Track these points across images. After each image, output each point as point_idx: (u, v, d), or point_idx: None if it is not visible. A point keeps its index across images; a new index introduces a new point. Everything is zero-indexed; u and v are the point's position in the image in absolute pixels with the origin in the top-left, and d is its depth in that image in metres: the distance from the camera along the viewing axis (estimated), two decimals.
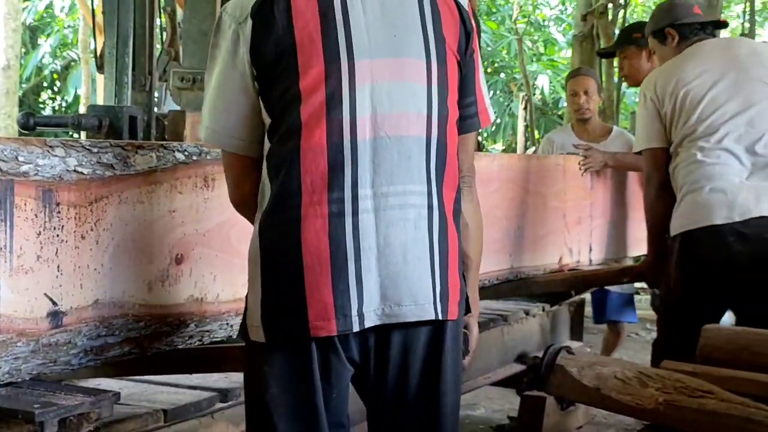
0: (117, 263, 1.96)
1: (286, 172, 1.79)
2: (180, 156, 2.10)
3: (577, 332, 4.34)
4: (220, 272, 2.21)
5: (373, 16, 1.82)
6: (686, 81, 3.55)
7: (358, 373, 1.85)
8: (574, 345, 3.98)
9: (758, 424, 2.52)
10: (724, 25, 3.77)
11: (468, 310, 1.96)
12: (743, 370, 2.78)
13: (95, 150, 1.92)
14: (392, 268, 1.79)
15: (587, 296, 4.56)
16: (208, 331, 2.23)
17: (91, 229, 1.90)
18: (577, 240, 4.15)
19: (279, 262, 1.80)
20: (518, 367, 3.67)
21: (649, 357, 3.66)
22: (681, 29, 3.72)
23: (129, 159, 1.98)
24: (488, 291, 3.59)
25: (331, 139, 1.77)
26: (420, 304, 1.80)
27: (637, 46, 4.40)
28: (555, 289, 4.07)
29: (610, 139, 5.06)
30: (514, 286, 3.81)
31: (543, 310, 3.98)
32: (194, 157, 2.14)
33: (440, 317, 1.82)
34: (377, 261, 1.78)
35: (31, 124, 3.00)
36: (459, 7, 1.93)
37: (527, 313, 3.84)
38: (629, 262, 4.80)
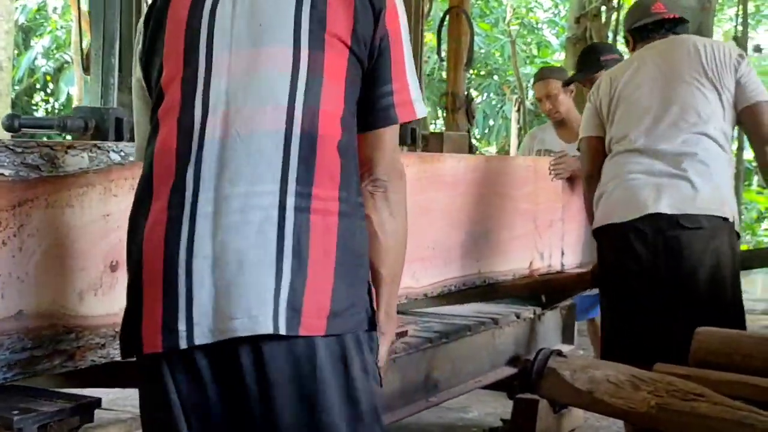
0: (44, 271, 1.86)
1: (143, 175, 1.70)
2: (115, 156, 2.02)
3: (568, 335, 4.32)
4: None
5: (242, 8, 1.70)
6: (618, 85, 3.60)
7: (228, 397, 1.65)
8: (566, 348, 3.96)
9: (750, 427, 2.51)
10: (681, 21, 3.69)
11: (373, 328, 1.73)
12: (735, 372, 2.77)
13: (20, 150, 1.84)
14: (226, 277, 1.59)
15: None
16: None
17: (14, 235, 1.81)
18: (548, 244, 4.08)
19: (129, 271, 1.69)
20: (509, 371, 3.64)
21: None
22: (635, 33, 3.73)
23: (57, 160, 1.90)
24: (454, 296, 3.55)
25: (180, 141, 1.65)
26: (253, 317, 1.57)
27: (606, 69, 4.40)
28: (518, 293, 4.02)
29: None
30: (480, 291, 3.74)
31: (534, 313, 3.95)
32: (131, 158, 2.04)
33: (282, 331, 1.57)
34: (212, 271, 1.59)
35: (15, 125, 2.97)
36: None
37: (518, 316, 3.81)
38: None
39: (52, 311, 1.88)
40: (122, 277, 1.99)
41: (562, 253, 4.23)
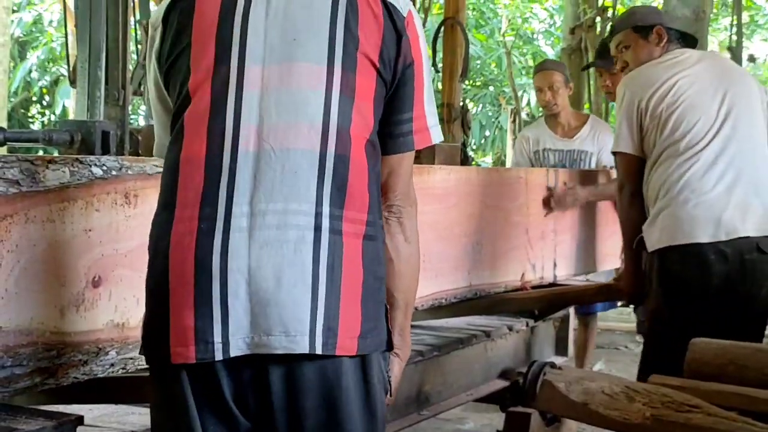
0: (23, 287, 1.83)
1: (166, 183, 1.69)
2: (97, 171, 1.98)
3: (562, 347, 4.30)
4: (144, 295, 2.04)
5: (275, 19, 1.69)
6: (672, 90, 3.49)
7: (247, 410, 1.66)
8: (559, 360, 3.94)
9: None
10: (695, 41, 3.75)
11: (390, 348, 1.79)
12: (730, 384, 2.75)
13: None
14: (263, 293, 1.60)
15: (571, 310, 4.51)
16: (131, 358, 2.08)
17: None
18: (540, 256, 4.04)
19: (152, 280, 1.68)
20: (501, 383, 3.63)
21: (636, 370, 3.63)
22: (670, 32, 3.69)
23: (38, 174, 1.86)
24: (461, 309, 3.53)
25: (211, 150, 1.64)
26: (291, 336, 1.60)
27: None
28: (531, 307, 4.00)
29: (585, 131, 5.04)
30: (488, 304, 3.73)
31: (527, 325, 3.93)
32: (113, 172, 2.01)
33: (318, 351, 1.61)
34: (247, 284, 1.60)
35: (1, 138, 2.94)
36: (389, 8, 1.74)
37: (510, 328, 3.79)
38: (601, 279, 4.75)
39: (32, 328, 1.85)
40: (104, 293, 1.99)
41: (555, 265, 4.20)
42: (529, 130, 5.61)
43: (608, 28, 10.59)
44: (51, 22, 17.78)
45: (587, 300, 4.29)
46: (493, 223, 3.69)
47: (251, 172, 1.63)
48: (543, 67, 5.40)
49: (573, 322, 4.57)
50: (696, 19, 7.92)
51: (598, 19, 10.49)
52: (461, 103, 6.63)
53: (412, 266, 1.85)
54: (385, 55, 1.72)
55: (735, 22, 10.81)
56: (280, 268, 1.60)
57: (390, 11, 1.73)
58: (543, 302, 3.99)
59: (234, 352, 1.60)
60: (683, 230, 3.39)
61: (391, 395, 1.83)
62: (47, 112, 19.18)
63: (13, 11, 15.54)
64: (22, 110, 18.92)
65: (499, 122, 17.29)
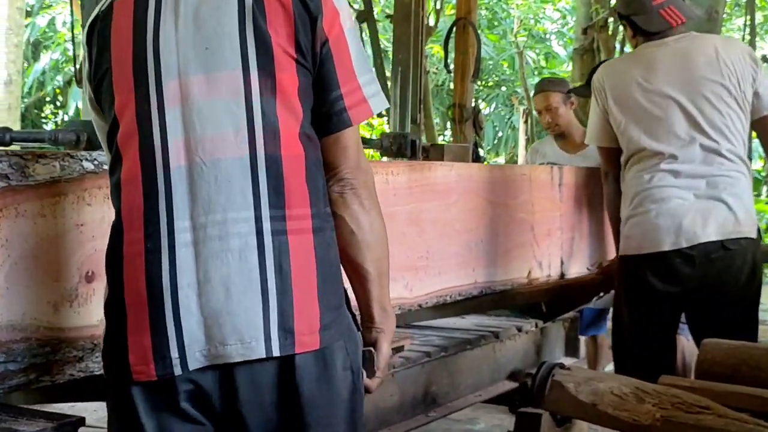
0: (15, 283, 1.83)
1: (115, 206, 1.71)
2: (88, 165, 1.98)
3: (572, 348, 4.28)
4: None
5: (186, 30, 1.69)
6: (632, 87, 3.51)
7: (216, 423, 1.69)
8: (570, 361, 3.92)
9: None
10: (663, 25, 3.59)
11: (367, 326, 1.83)
12: (742, 384, 2.73)
13: None
14: (214, 305, 1.63)
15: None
16: None
17: None
18: (547, 253, 4.01)
19: (109, 302, 1.70)
20: (510, 385, 3.61)
21: None
22: (635, 28, 3.63)
23: (28, 169, 1.85)
24: (467, 306, 3.50)
25: (145, 170, 1.66)
26: (246, 343, 1.62)
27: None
28: (537, 300, 3.99)
29: (591, 148, 5.01)
30: (494, 299, 3.71)
31: (536, 326, 3.91)
32: (105, 167, 1.98)
33: (276, 353, 1.63)
34: (198, 298, 1.63)
35: (7, 139, 2.94)
36: None
37: (519, 329, 3.77)
38: None
39: (25, 324, 1.85)
40: (99, 288, 1.98)
41: (562, 263, 4.17)
42: (539, 143, 5.62)
43: (620, 28, 10.60)
44: (65, 23, 17.83)
45: (592, 290, 4.27)
46: (497, 220, 3.66)
47: (186, 187, 1.65)
48: (539, 89, 5.37)
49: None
50: (709, 19, 7.87)
51: (611, 19, 10.45)
52: (473, 104, 6.62)
53: (377, 234, 1.81)
54: (302, 44, 1.70)
55: (748, 23, 10.76)
56: (228, 277, 1.63)
57: None
58: (549, 295, 4.00)
59: (192, 365, 1.63)
60: (647, 240, 3.48)
61: (376, 374, 1.83)
62: (60, 112, 19.25)
63: (27, 14, 15.62)
64: (36, 110, 18.99)
65: (512, 122, 17.25)
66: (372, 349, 1.83)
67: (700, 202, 3.43)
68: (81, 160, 1.96)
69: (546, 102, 5.09)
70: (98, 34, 1.77)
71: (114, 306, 1.68)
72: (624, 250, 3.61)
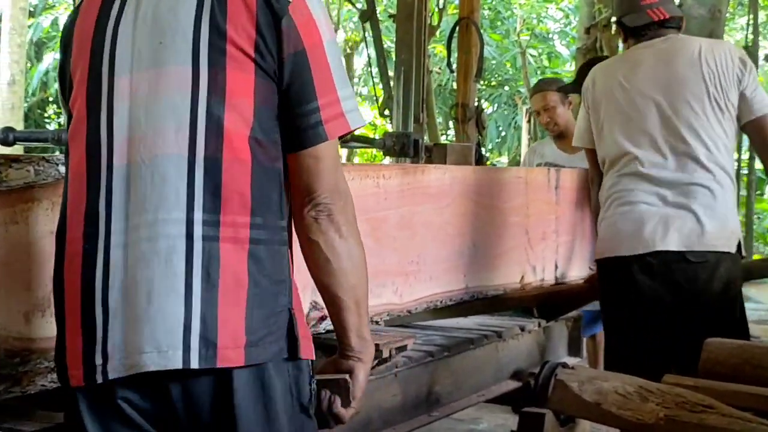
0: None
1: (62, 203, 1.67)
2: (63, 170, 1.89)
3: (575, 348, 4.27)
4: None
5: (143, 24, 1.64)
6: (614, 89, 3.48)
7: None
8: (573, 361, 3.92)
9: None
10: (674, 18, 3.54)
11: (344, 353, 1.75)
12: (745, 384, 2.73)
13: None
14: (136, 309, 1.54)
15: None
16: None
17: None
18: (541, 257, 3.97)
19: (54, 304, 1.66)
20: (513, 384, 3.61)
21: None
22: (626, 28, 3.59)
23: (0, 174, 1.80)
24: (459, 310, 3.48)
25: (90, 167, 1.61)
26: (163, 352, 1.53)
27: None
28: (527, 304, 3.97)
29: None
30: (486, 303, 3.69)
31: (539, 325, 3.90)
32: None
33: (194, 365, 1.53)
34: (124, 302, 1.55)
35: (10, 139, 2.93)
36: None
37: (522, 329, 3.76)
38: None
39: None
40: None
41: (556, 267, 4.13)
42: (539, 144, 5.62)
43: None
44: None
45: (581, 297, 4.24)
46: (491, 223, 3.62)
47: (125, 185, 1.59)
48: (536, 89, 5.37)
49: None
50: (712, 19, 7.88)
51: (614, 18, 10.46)
52: (476, 103, 6.62)
53: (355, 263, 1.72)
54: (263, 45, 1.61)
55: (751, 22, 10.75)
56: (151, 281, 1.55)
57: None
58: (538, 302, 3.98)
59: (112, 374, 1.56)
60: (610, 244, 3.46)
61: (351, 403, 1.78)
62: (64, 112, 19.28)
63: (30, 14, 15.63)
64: (39, 110, 19.02)
65: (515, 122, 17.24)
66: (347, 377, 1.77)
67: (666, 209, 3.34)
68: (57, 165, 1.90)
69: (543, 101, 5.09)
70: (67, 28, 1.75)
71: (57, 307, 1.65)
72: (596, 255, 3.61)
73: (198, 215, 1.56)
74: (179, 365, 1.53)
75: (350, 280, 1.72)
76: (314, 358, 1.73)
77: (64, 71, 1.78)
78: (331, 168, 1.69)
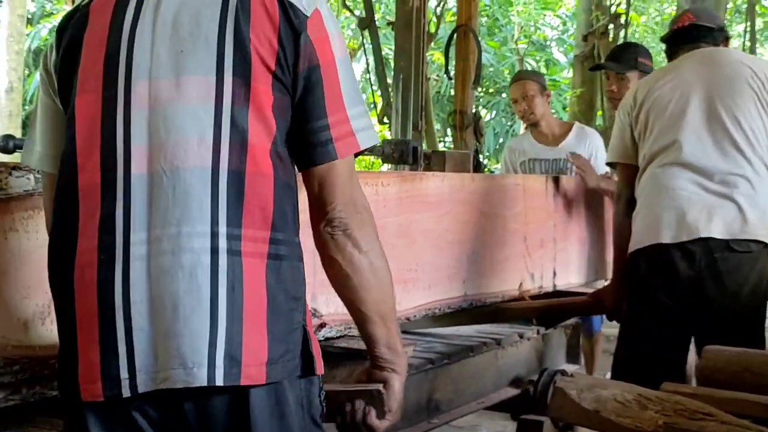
0: None
1: (63, 211, 1.60)
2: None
3: (573, 355, 4.27)
4: None
5: (163, 29, 1.59)
6: (655, 95, 3.51)
7: None
8: (571, 368, 3.92)
9: None
10: (714, 29, 3.66)
11: (309, 373, 1.65)
12: (744, 391, 2.73)
13: None
14: (163, 324, 1.51)
15: None
16: None
17: None
18: (539, 264, 3.97)
19: (60, 315, 1.61)
20: (513, 392, 3.60)
21: None
22: (670, 45, 3.71)
23: (0, 182, 1.80)
24: (458, 319, 3.47)
25: (105, 175, 1.55)
26: (189, 369, 1.50)
27: (641, 72, 4.30)
28: (528, 316, 3.95)
29: (571, 139, 5.05)
30: (485, 313, 3.68)
31: (538, 333, 3.90)
32: None
33: (219, 383, 1.51)
34: (150, 316, 1.51)
35: (10, 146, 2.92)
36: (285, 7, 1.61)
37: (521, 336, 3.76)
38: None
39: None
40: None
41: (554, 274, 4.14)
42: (515, 141, 5.65)
43: (621, 34, 10.62)
44: None
45: (580, 312, 4.22)
46: (489, 231, 3.62)
47: (146, 196, 1.54)
48: (516, 78, 5.44)
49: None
50: None
51: (611, 26, 10.49)
52: (474, 110, 6.63)
53: (379, 276, 1.70)
54: (283, 59, 1.59)
55: (748, 29, 10.77)
56: (177, 295, 1.51)
57: (286, 10, 1.61)
58: (539, 312, 3.96)
59: (141, 389, 1.52)
60: (650, 232, 3.42)
61: (386, 415, 1.77)
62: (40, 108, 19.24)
63: (28, 22, 15.64)
64: None
65: (513, 129, 17.25)
66: (381, 387, 1.76)
67: (708, 197, 3.35)
68: None
69: (522, 90, 5.14)
70: (74, 26, 1.68)
71: (64, 320, 1.59)
72: (631, 245, 3.53)
73: (222, 229, 1.53)
74: (204, 382, 1.51)
75: (373, 295, 1.70)
76: (323, 372, 1.70)
77: (63, 72, 1.69)
78: (344, 183, 1.66)
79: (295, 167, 1.68)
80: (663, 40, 3.78)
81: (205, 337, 1.51)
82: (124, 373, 1.52)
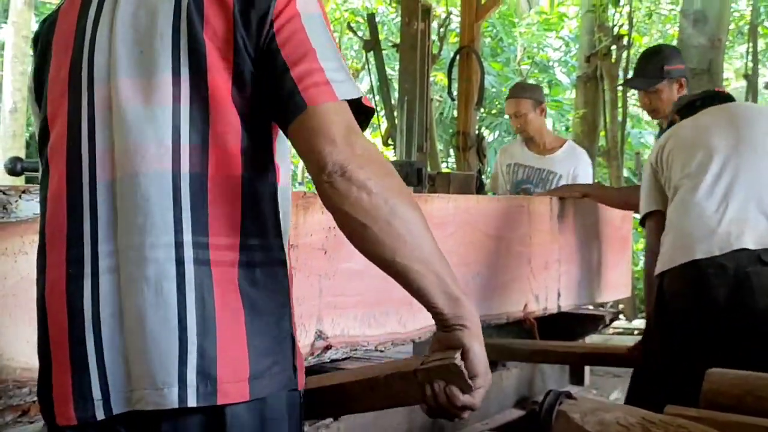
0: None
1: (40, 224, 1.54)
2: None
3: (577, 375, 4.27)
4: None
5: (122, 30, 1.49)
6: (680, 132, 3.59)
7: None
8: (575, 389, 3.91)
9: None
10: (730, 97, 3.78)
11: (441, 325, 1.48)
12: (748, 414, 2.72)
13: None
14: (132, 341, 1.40)
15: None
16: None
17: None
18: (544, 286, 3.98)
19: (37, 333, 1.52)
20: (517, 413, 3.60)
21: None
22: (684, 110, 3.73)
23: (10, 205, 1.79)
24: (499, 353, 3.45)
25: (70, 184, 1.47)
26: (159, 389, 1.39)
27: (669, 79, 4.29)
28: (570, 362, 3.93)
29: (560, 153, 5.12)
30: (526, 352, 3.67)
31: None
32: None
33: (192, 403, 1.38)
34: (120, 332, 1.41)
35: (18, 169, 2.93)
36: None
37: None
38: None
39: (1, 365, 1.79)
40: None
41: (559, 295, 4.15)
42: (509, 144, 5.76)
43: (623, 55, 10.64)
44: None
45: (620, 364, 4.08)
46: (494, 252, 3.63)
47: (111, 205, 1.45)
48: (510, 94, 5.50)
49: None
50: (712, 47, 7.93)
51: (614, 47, 10.51)
52: (477, 131, 6.66)
53: (404, 218, 1.43)
54: (242, 45, 1.46)
55: (751, 50, 10.80)
56: (143, 310, 1.40)
57: None
58: (581, 358, 3.91)
59: (116, 410, 1.42)
60: (681, 250, 3.38)
61: (476, 382, 1.47)
62: (35, 121, 19.29)
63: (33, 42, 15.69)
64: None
65: None
66: (456, 357, 1.45)
67: (737, 214, 3.35)
68: None
69: (515, 108, 5.22)
70: (42, 36, 1.64)
71: (40, 338, 1.52)
72: (658, 268, 3.48)
73: (188, 237, 1.42)
74: (175, 404, 1.39)
75: (403, 241, 1.43)
76: (303, 387, 1.56)
77: (40, 79, 1.63)
78: (330, 127, 1.42)
79: (280, 164, 1.54)
80: (678, 112, 3.81)
81: (174, 354, 1.39)
82: (96, 393, 1.42)
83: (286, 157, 1.57)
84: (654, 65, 4.33)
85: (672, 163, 3.54)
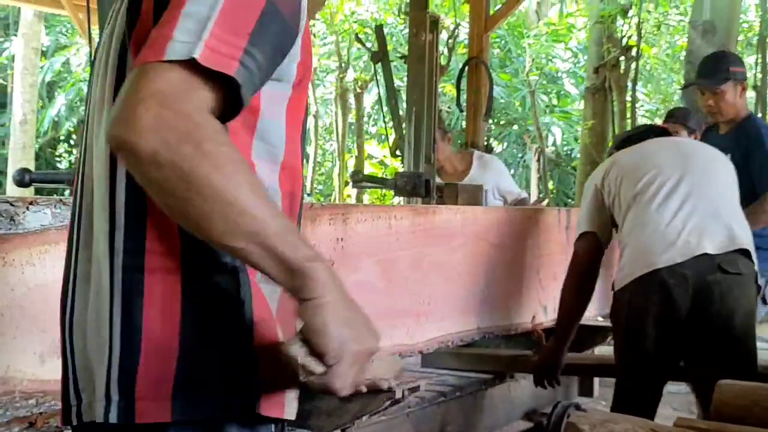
0: (0, 334, 1.77)
1: None
2: None
3: (586, 388, 4.25)
4: None
5: (104, 46, 1.44)
6: (623, 157, 3.63)
7: None
8: (584, 401, 3.91)
9: None
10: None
11: (296, 299, 1.22)
12: (755, 426, 2.72)
13: None
14: (79, 351, 1.37)
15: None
16: None
17: None
18: (552, 297, 3.92)
19: None
20: (525, 425, 3.60)
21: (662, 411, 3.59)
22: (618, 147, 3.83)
23: (17, 217, 1.81)
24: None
25: (74, 192, 1.46)
26: (92, 401, 1.32)
27: (734, 80, 4.27)
28: (580, 373, 3.93)
29: (474, 171, 5.22)
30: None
31: None
32: None
33: (113, 420, 1.28)
34: (78, 340, 1.38)
35: (26, 180, 2.94)
36: None
37: None
38: None
39: (7, 377, 1.79)
40: None
41: None
42: None
43: (632, 66, 10.65)
44: (80, 64, 18.02)
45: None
46: (502, 263, 3.63)
47: (85, 211, 1.41)
48: None
49: None
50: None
51: (622, 58, 10.51)
52: (485, 142, 6.66)
53: (206, 183, 1.16)
54: (134, 25, 1.35)
55: (760, 61, 10.79)
56: (85, 319, 1.35)
57: None
58: (597, 369, 3.92)
59: (87, 416, 1.34)
60: (642, 260, 3.37)
61: (326, 359, 1.22)
62: (74, 151, 19.38)
63: (43, 54, 15.77)
64: (50, 149, 19.12)
65: (524, 161, 17.27)
66: (291, 343, 1.23)
67: (696, 221, 3.36)
68: None
69: None
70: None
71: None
72: (619, 281, 3.48)
73: (119, 244, 1.31)
74: (101, 418, 1.30)
75: (208, 211, 1.17)
76: (285, 417, 1.37)
77: None
78: (126, 90, 1.20)
79: (257, 163, 1.37)
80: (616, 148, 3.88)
81: (104, 365, 1.30)
82: (73, 399, 1.37)
83: (275, 158, 1.40)
84: (720, 66, 4.33)
85: (620, 186, 3.54)
